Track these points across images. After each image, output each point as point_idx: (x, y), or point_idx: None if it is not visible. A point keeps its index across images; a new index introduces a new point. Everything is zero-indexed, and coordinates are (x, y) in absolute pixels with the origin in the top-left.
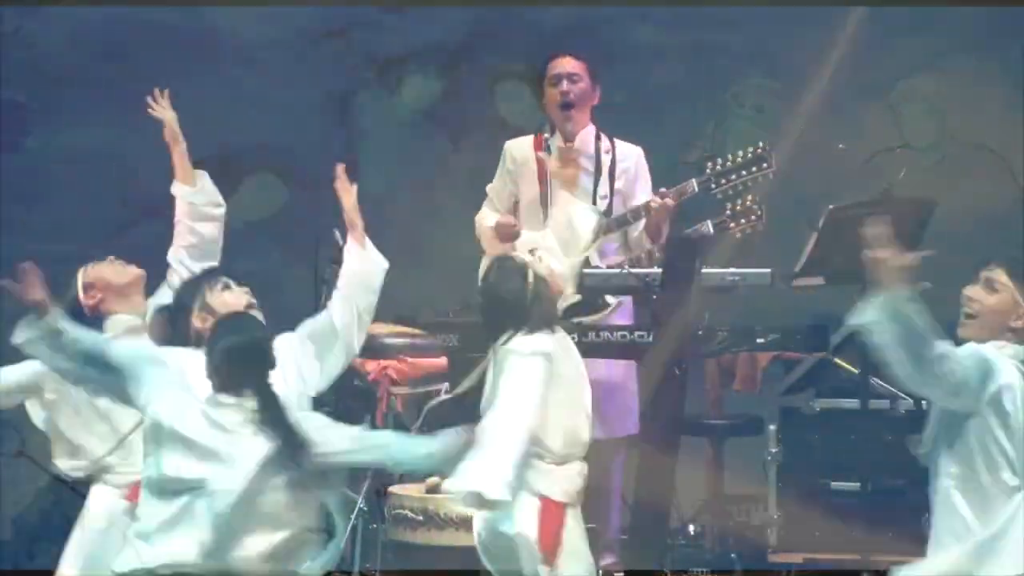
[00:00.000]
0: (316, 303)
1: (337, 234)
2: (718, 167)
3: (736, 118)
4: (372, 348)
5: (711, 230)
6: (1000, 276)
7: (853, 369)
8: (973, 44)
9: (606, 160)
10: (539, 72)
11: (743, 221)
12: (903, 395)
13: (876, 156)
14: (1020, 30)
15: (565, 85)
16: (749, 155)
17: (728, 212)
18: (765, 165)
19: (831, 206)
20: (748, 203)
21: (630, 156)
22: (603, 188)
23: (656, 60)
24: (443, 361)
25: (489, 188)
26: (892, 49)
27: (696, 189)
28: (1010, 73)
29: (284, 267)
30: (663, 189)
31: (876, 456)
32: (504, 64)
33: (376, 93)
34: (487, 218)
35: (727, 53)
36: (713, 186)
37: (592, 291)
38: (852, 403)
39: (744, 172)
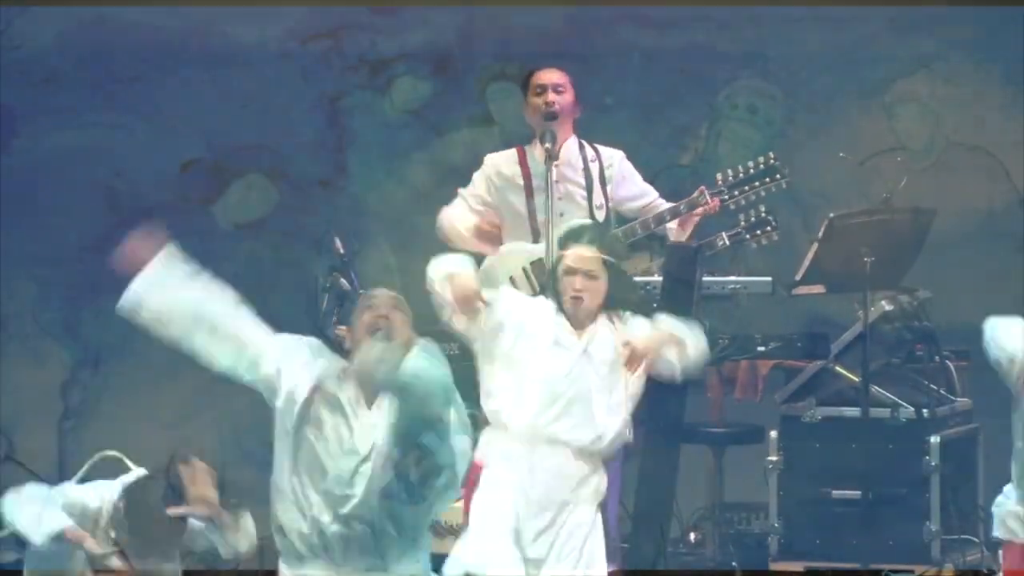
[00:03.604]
0: (318, 311)
1: (337, 240)
2: (730, 178)
3: (729, 120)
4: None
5: (727, 242)
6: None
7: (854, 377)
8: (969, 45)
9: (594, 169)
10: (523, 81)
11: (758, 232)
12: (904, 403)
13: (871, 159)
14: (1016, 31)
15: (550, 95)
16: (761, 166)
17: (743, 224)
18: (778, 176)
19: (831, 214)
20: (762, 214)
21: (614, 160)
22: (598, 198)
23: (648, 62)
24: None
25: (462, 192)
26: (887, 50)
27: (708, 199)
28: (1006, 74)
29: (274, 269)
30: (703, 187)
31: (877, 464)
32: (494, 65)
33: (366, 94)
34: (463, 218)
35: (719, 54)
36: (726, 197)
37: None
38: (853, 411)
39: (757, 183)
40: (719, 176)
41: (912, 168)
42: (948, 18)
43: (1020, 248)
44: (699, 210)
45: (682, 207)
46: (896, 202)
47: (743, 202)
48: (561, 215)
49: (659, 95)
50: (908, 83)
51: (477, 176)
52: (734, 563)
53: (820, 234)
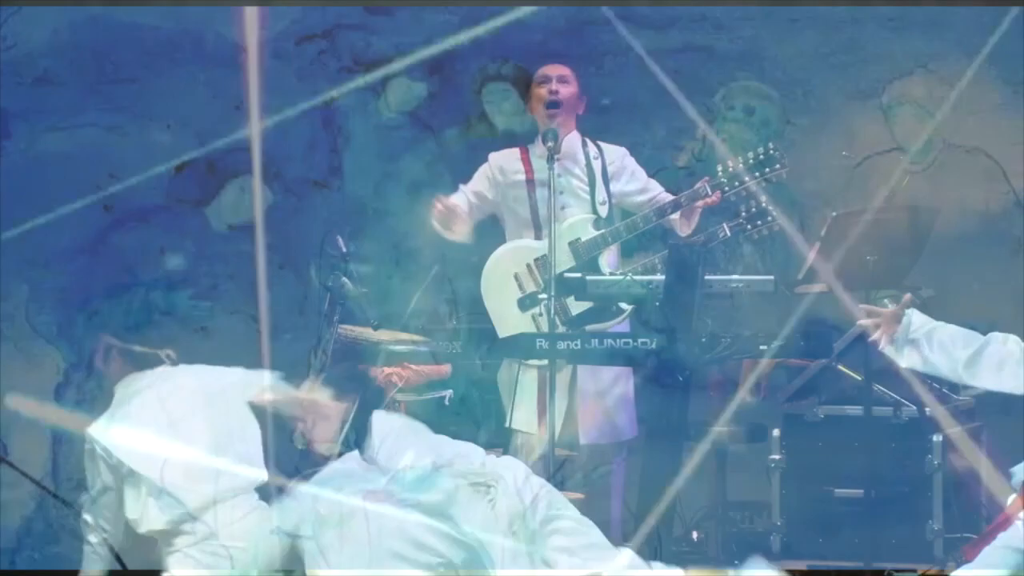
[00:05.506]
0: (321, 310)
1: (340, 240)
2: (730, 169)
3: (726, 121)
4: (376, 355)
5: (727, 233)
6: None
7: (856, 376)
8: (966, 46)
9: (597, 165)
10: (527, 76)
11: (759, 223)
12: (906, 402)
13: (868, 160)
14: (1013, 31)
15: (554, 84)
16: (761, 156)
17: (744, 214)
18: (778, 166)
19: (834, 213)
20: (762, 204)
21: (617, 157)
22: (600, 194)
23: (644, 62)
24: (447, 367)
25: (463, 186)
26: (884, 50)
27: (709, 192)
28: (1004, 75)
29: (269, 270)
30: (707, 178)
31: (880, 463)
32: (490, 65)
33: (361, 96)
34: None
35: (716, 55)
36: (727, 190)
37: (596, 298)
38: (855, 410)
39: (757, 174)
40: (719, 167)
41: (909, 169)
42: (946, 18)
43: (1018, 250)
44: (700, 203)
45: (683, 199)
46: (899, 202)
47: (744, 193)
48: (563, 208)
49: (655, 96)
50: (905, 84)
51: (479, 173)
52: (736, 561)
53: (823, 232)
